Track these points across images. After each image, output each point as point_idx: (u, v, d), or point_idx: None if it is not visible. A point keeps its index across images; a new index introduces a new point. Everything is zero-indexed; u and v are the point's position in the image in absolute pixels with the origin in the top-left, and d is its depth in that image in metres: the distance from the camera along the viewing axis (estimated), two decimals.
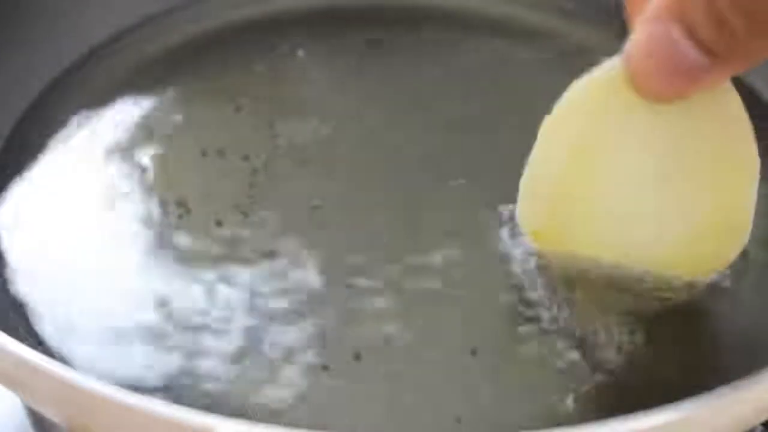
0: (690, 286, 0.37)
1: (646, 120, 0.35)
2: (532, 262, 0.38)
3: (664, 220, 0.36)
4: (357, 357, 0.35)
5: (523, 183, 0.37)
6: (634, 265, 0.37)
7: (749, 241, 0.37)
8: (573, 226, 0.37)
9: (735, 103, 0.35)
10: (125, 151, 0.43)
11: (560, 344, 0.36)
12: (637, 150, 0.35)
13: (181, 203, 0.40)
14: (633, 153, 0.35)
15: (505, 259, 0.38)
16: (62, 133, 0.44)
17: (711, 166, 0.35)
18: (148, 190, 0.41)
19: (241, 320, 0.36)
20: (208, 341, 0.36)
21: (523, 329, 0.36)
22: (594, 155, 0.36)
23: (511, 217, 0.39)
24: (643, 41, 0.33)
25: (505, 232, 0.39)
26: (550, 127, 0.36)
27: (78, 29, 0.48)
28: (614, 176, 0.36)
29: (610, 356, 0.36)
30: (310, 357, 0.35)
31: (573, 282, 0.37)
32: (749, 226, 0.36)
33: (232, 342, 0.36)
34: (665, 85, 0.33)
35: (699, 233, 0.36)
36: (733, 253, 0.37)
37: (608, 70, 0.35)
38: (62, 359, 0.35)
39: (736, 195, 0.36)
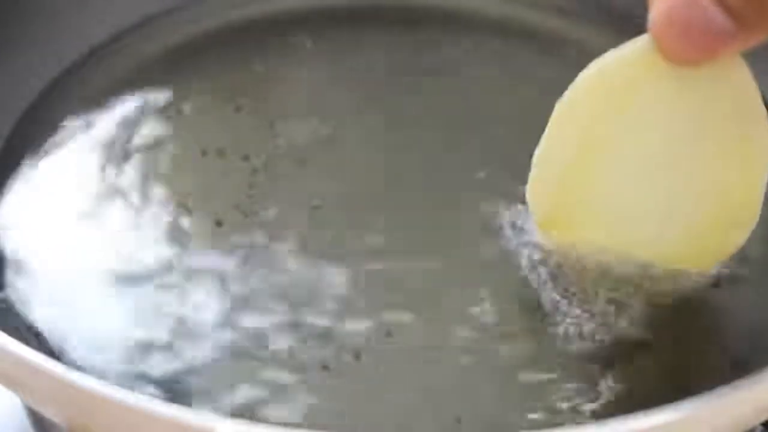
0: (693, 281, 0.37)
1: (658, 104, 0.35)
2: (535, 260, 0.38)
3: (674, 203, 0.36)
4: (357, 357, 0.35)
5: (533, 169, 0.37)
6: (641, 254, 0.37)
7: (750, 238, 0.37)
8: (581, 212, 0.37)
9: (751, 86, 0.35)
10: (125, 151, 0.43)
11: (560, 344, 0.36)
12: (648, 134, 0.35)
13: (181, 203, 0.40)
14: (644, 137, 0.35)
15: (506, 257, 0.38)
16: (62, 133, 0.44)
17: (724, 148, 0.35)
18: (148, 190, 0.41)
19: (242, 320, 0.36)
20: (209, 341, 0.36)
21: (524, 329, 0.36)
22: (604, 141, 0.36)
23: (513, 215, 0.39)
24: (669, 4, 0.33)
25: (507, 230, 0.39)
26: (560, 112, 0.36)
27: (78, 29, 0.48)
28: (624, 161, 0.36)
29: (611, 356, 0.36)
30: (310, 357, 0.35)
31: (576, 280, 0.37)
32: (758, 209, 0.36)
33: (232, 342, 0.36)
34: (690, 48, 0.33)
35: (708, 219, 0.36)
36: (741, 237, 0.37)
37: (618, 55, 0.35)
38: (62, 359, 0.35)
39: (748, 178, 0.36)
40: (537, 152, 0.37)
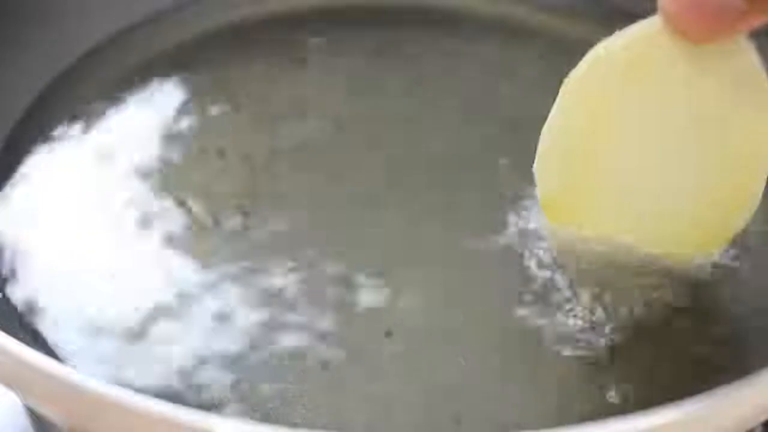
0: (692, 276, 0.37)
1: (663, 84, 0.35)
2: (539, 256, 0.38)
3: (679, 181, 0.36)
4: (357, 357, 0.35)
5: (540, 144, 0.37)
6: (643, 238, 0.37)
7: (748, 230, 0.37)
8: (586, 190, 0.37)
9: (756, 68, 0.35)
10: (125, 151, 0.43)
11: (560, 344, 0.36)
12: (653, 113, 0.35)
13: (181, 203, 0.40)
14: (649, 116, 0.35)
15: (507, 256, 0.38)
16: (62, 133, 0.44)
17: (729, 126, 0.35)
18: (148, 190, 0.41)
19: (241, 320, 0.36)
20: (208, 341, 0.36)
21: (525, 328, 0.36)
22: (610, 120, 0.36)
23: (514, 214, 0.39)
24: None
25: (509, 228, 0.39)
26: (567, 91, 0.36)
27: (78, 29, 0.48)
28: (629, 139, 0.36)
29: (611, 355, 0.36)
30: (310, 357, 0.35)
31: (578, 278, 0.37)
32: (761, 190, 0.36)
33: (232, 341, 0.36)
34: (701, 27, 0.33)
35: (712, 200, 0.36)
36: (744, 218, 0.37)
37: (625, 36, 0.35)
38: (62, 359, 0.35)
39: (752, 158, 0.36)
40: (545, 129, 0.37)
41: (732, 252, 0.38)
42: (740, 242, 0.38)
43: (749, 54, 0.34)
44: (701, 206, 0.36)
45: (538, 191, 0.38)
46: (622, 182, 0.37)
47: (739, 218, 0.37)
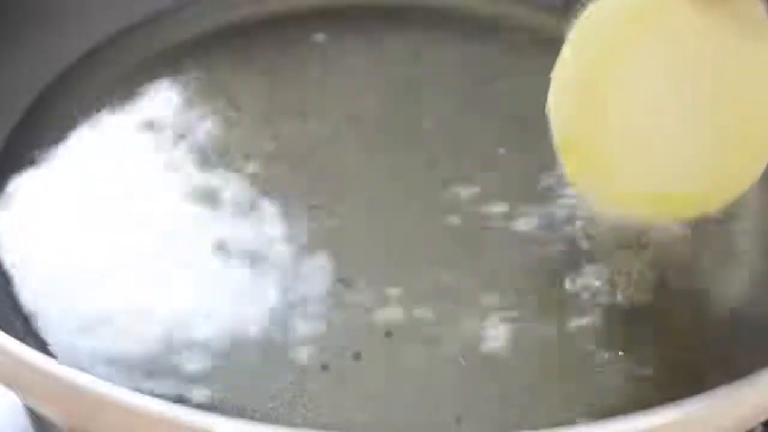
0: (693, 274, 0.37)
1: (674, 34, 0.34)
2: (537, 257, 0.38)
3: (689, 134, 0.35)
4: (357, 357, 0.35)
5: (552, 85, 0.36)
6: (653, 190, 0.36)
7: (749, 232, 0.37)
8: (597, 134, 0.36)
9: (765, 18, 0.34)
10: (125, 151, 0.43)
11: (560, 344, 0.36)
12: (660, 65, 0.35)
13: (181, 203, 0.40)
14: (656, 68, 0.35)
15: (507, 256, 0.38)
16: (62, 134, 0.44)
17: (741, 79, 0.35)
18: (148, 190, 0.41)
19: (242, 320, 0.36)
20: (209, 341, 0.36)
21: (524, 328, 0.36)
22: (617, 69, 0.35)
23: (514, 214, 0.39)
24: None
25: (508, 230, 0.39)
26: (582, 29, 0.36)
27: (78, 29, 0.48)
28: (638, 89, 0.35)
29: (610, 356, 0.36)
30: (310, 357, 0.35)
31: (577, 275, 0.37)
32: None
33: (232, 342, 0.36)
34: None
35: (722, 152, 0.35)
36: (757, 171, 0.36)
37: None
38: (62, 359, 0.35)
39: (761, 110, 0.35)
40: (555, 69, 0.36)
41: (731, 250, 0.38)
42: (739, 240, 0.38)
43: (758, 5, 0.34)
44: (712, 156, 0.35)
45: (554, 133, 0.37)
46: (632, 129, 0.36)
47: (751, 172, 0.36)
